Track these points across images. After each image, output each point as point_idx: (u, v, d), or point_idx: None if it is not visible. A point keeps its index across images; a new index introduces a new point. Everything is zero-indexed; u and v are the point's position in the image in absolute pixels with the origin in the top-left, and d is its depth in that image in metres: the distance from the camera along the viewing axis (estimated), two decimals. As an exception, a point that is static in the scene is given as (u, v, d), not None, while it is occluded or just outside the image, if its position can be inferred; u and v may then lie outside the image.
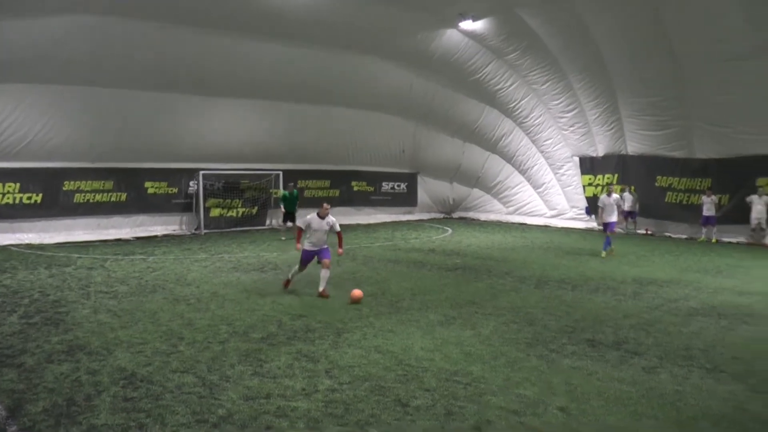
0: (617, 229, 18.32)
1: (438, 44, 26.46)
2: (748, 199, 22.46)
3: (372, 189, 32.45)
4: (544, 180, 29.90)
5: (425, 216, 33.93)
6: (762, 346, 9.11)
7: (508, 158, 31.01)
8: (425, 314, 10.78)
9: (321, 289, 12.25)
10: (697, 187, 24.17)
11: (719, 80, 21.47)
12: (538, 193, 30.45)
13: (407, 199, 34.03)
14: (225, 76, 23.99)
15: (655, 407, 6.63)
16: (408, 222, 31.24)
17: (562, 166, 28.83)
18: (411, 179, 34.16)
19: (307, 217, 12.52)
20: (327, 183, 30.61)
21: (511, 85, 28.07)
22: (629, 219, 26.12)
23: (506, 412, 6.39)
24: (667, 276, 15.27)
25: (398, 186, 33.60)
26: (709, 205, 23.34)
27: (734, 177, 23.02)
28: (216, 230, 25.72)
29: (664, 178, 25.29)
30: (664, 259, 18.48)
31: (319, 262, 12.45)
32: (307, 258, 12.57)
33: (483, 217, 33.17)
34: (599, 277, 15.03)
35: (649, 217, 25.88)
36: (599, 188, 27.18)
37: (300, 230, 12.62)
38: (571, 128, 27.56)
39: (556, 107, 27.43)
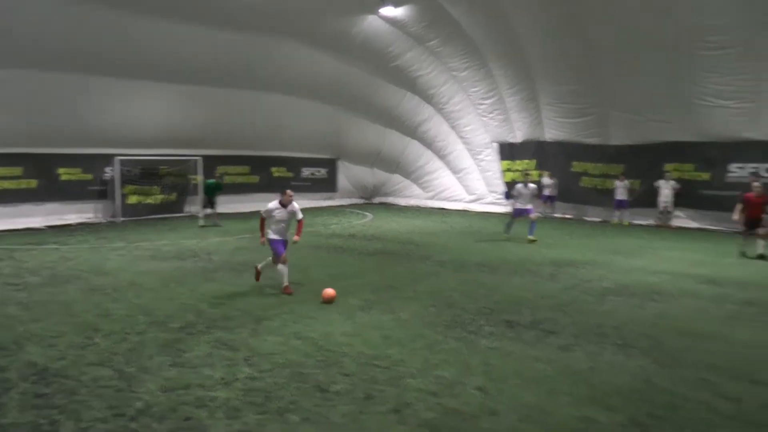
0: (534, 215, 18.66)
1: (359, 30, 26.38)
2: (656, 183, 23.49)
3: (292, 175, 32.13)
4: (463, 165, 30.33)
5: (346, 201, 33.91)
6: (668, 323, 9.55)
7: (428, 144, 31.31)
8: (345, 299, 10.78)
9: (285, 284, 11.37)
10: (611, 173, 25.03)
11: (633, 70, 22.38)
12: (458, 178, 30.87)
13: (328, 185, 33.91)
14: (142, 59, 23.10)
15: (570, 384, 6.87)
16: (329, 208, 31.15)
17: (482, 151, 29.30)
18: (331, 165, 34.06)
19: (269, 205, 11.50)
20: (247, 169, 30.15)
21: (431, 72, 28.30)
22: (548, 203, 26.81)
23: (425, 394, 6.49)
24: (582, 258, 15.76)
25: (318, 172, 33.45)
26: (622, 190, 24.25)
27: (645, 163, 24.01)
28: (134, 218, 24.94)
29: (581, 163, 26.08)
30: (581, 241, 19.07)
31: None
32: (279, 246, 11.48)
33: (403, 202, 33.42)
34: (517, 260, 15.37)
35: (566, 201, 26.64)
36: (518, 173, 27.79)
37: (263, 220, 11.62)
38: (491, 115, 28.02)
39: (476, 94, 27.83)
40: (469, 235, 20.44)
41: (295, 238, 11.71)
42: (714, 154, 22.60)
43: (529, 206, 18.95)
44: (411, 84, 29.21)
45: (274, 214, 11.46)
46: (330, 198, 33.64)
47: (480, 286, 12.16)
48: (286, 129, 30.19)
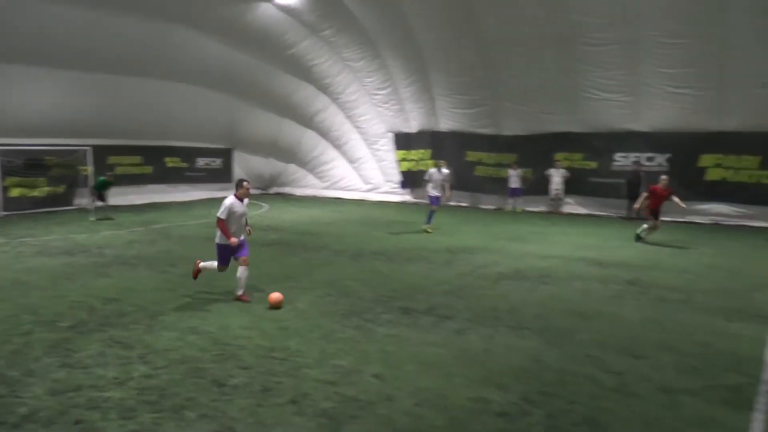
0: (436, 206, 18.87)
1: (253, 17, 25.88)
2: (547, 172, 24.42)
3: (187, 165, 31.24)
4: (359, 155, 30.45)
5: (242, 192, 33.29)
6: (558, 304, 9.93)
7: (324, 133, 31.22)
8: (243, 291, 10.59)
9: (240, 293, 10.09)
10: (505, 162, 25.76)
11: (523, 64, 23.17)
12: (354, 167, 30.96)
13: (223, 175, 33.10)
14: (25, 42, 21.68)
15: (465, 366, 7.00)
16: (224, 198, 30.43)
17: (377, 141, 29.50)
18: (227, 155, 33.30)
19: (225, 203, 10.01)
20: (139, 159, 29.03)
21: (326, 61, 28.18)
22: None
23: (322, 384, 6.45)
24: (477, 244, 16.13)
25: (214, 162, 32.63)
26: (515, 178, 25.01)
27: (536, 152, 24.87)
28: (17, 212, 23.41)
29: (475, 153, 26.69)
30: (475, 228, 19.51)
31: (235, 258, 10.21)
32: (227, 255, 10.24)
33: (299, 192, 33.22)
34: (414, 247, 15.56)
35: (462, 190, 27.16)
36: (413, 163, 28.19)
37: (222, 222, 9.99)
38: (386, 105, 28.23)
39: (371, 84, 27.95)
40: (365, 224, 20.53)
41: (249, 228, 10.59)
42: (600, 144, 23.78)
43: (438, 194, 18.88)
44: (306, 73, 28.99)
45: (235, 211, 10.05)
46: (225, 189, 32.88)
47: (377, 274, 12.22)
48: (179, 118, 29.25)
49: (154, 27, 24.36)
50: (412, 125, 28.16)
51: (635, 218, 22.32)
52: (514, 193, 25.22)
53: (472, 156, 26.75)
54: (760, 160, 21.00)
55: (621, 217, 22.93)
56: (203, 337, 8.05)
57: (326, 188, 32.23)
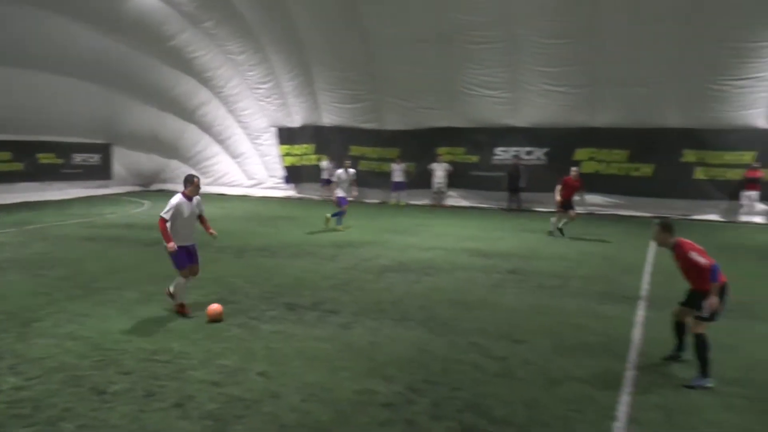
0: (316, 196, 18.69)
1: (131, 6, 24.77)
2: (430, 166, 24.88)
3: (62, 161, 29.54)
4: (242, 150, 29.80)
5: (122, 189, 31.82)
6: (442, 294, 10.10)
7: (207, 128, 30.33)
8: (123, 293, 10.05)
9: (181, 301, 8.93)
10: (388, 156, 26.03)
11: (405, 60, 23.47)
12: (237, 163, 30.28)
13: (101, 172, 31.48)
14: None
15: (351, 360, 6.98)
16: (104, 196, 29.13)
17: (260, 136, 29.02)
18: (105, 150, 31.72)
19: (171, 202, 8.92)
20: (8, 155, 27.06)
21: (207, 54, 27.40)
22: (327, 186, 27.23)
23: (207, 385, 6.24)
24: (362, 238, 16.18)
25: (91, 158, 30.96)
26: (398, 172, 25.33)
27: (419, 147, 25.27)
28: None
29: (358, 147, 26.83)
30: (360, 222, 19.53)
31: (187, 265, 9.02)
32: (183, 257, 8.92)
33: (181, 188, 32.13)
34: (299, 243, 15.40)
35: (347, 184, 27.24)
36: (297, 158, 28.01)
37: (164, 222, 8.78)
38: (268, 99, 27.84)
39: (253, 78, 27.48)
40: (249, 220, 20.15)
41: (213, 231, 9.51)
42: (481, 138, 24.55)
43: (346, 195, 18.15)
44: (187, 66, 28.07)
45: (182, 211, 8.93)
46: (105, 186, 31.35)
47: (262, 270, 12.01)
48: (53, 111, 27.45)
49: (24, 13, 22.81)
50: (296, 120, 27.93)
51: (515, 209, 23.25)
52: (398, 187, 25.54)
53: (356, 150, 26.83)
54: (628, 153, 22.44)
55: (502, 209, 23.72)
56: (82, 342, 7.58)
57: (210, 184, 31.27)
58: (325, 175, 26.80)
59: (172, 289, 8.96)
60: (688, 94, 20.94)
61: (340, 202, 17.86)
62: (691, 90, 20.84)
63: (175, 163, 32.31)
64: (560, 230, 17.28)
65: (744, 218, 21.15)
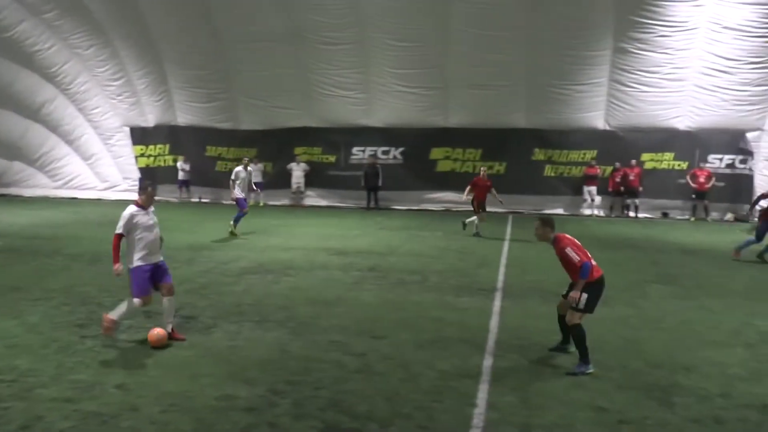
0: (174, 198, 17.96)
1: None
2: (288, 166, 24.79)
3: None
4: (93, 151, 28.25)
5: (-45, 195, 29.39)
6: (301, 294, 10.07)
7: (54, 127, 28.43)
8: (-45, 308, 9.27)
9: (170, 329, 7.73)
10: (245, 157, 25.56)
11: (259, 59, 23.35)
12: (88, 164, 28.68)
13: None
14: None
15: (211, 365, 6.79)
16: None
17: (113, 136, 27.72)
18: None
19: (124, 214, 7.68)
20: None
21: (51, 48, 25.79)
22: (184, 188, 26.46)
23: (60, 403, 5.80)
24: (219, 240, 15.83)
25: None
26: (256, 173, 24.92)
27: (276, 147, 25.11)
28: None
29: (215, 147, 26.28)
30: (217, 225, 19.04)
31: (156, 287, 7.87)
32: (146, 281, 7.75)
33: (28, 192, 29.86)
34: (155, 247, 14.78)
35: (203, 185, 26.58)
36: (152, 159, 27.01)
37: (119, 239, 7.74)
38: (120, 97, 26.73)
39: (103, 74, 26.25)
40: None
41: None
42: (338, 138, 24.85)
43: (243, 195, 17.21)
44: (28, 60, 26.24)
45: (138, 223, 7.70)
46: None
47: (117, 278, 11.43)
48: None
49: None
50: (149, 119, 26.95)
51: (374, 208, 23.62)
52: (256, 187, 25.15)
53: (212, 151, 26.33)
54: (481, 152, 23.50)
55: (361, 208, 23.99)
56: None
57: (59, 188, 29.41)
58: (181, 176, 26.02)
59: (116, 316, 7.65)
60: (534, 97, 22.45)
61: (240, 203, 16.88)
62: (537, 93, 22.36)
63: (18, 165, 29.97)
64: (464, 225, 17.49)
65: (587, 211, 22.80)
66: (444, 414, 5.66)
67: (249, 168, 17.57)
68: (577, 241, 6.97)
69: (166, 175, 26.85)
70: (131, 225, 7.66)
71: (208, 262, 12.88)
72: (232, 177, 17.22)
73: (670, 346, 7.70)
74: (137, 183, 27.37)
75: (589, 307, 6.74)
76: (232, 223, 16.79)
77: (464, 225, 17.59)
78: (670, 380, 6.56)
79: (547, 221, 7.14)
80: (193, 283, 10.83)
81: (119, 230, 7.67)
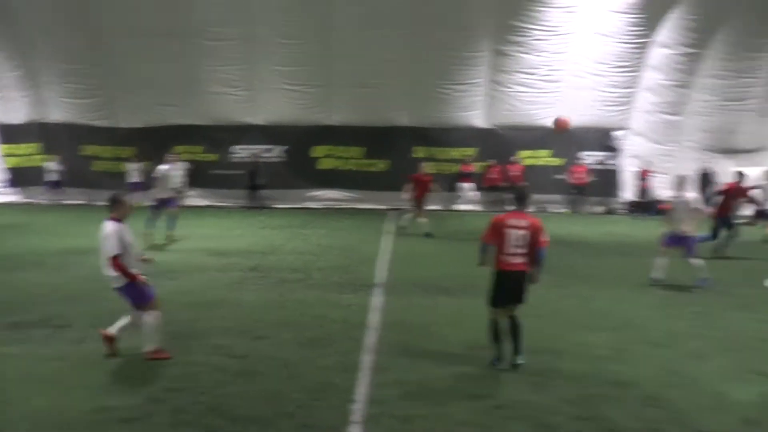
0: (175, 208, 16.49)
1: None
2: (160, 168, 24.01)
3: None
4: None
5: None
6: (181, 297, 9.83)
7: None
8: None
9: (152, 348, 7.18)
10: (124, 155, 24.77)
11: (139, 54, 22.63)
12: (-48, 165, 26.87)
13: None
14: None
15: (86, 377, 6.59)
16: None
17: (-22, 134, 26.01)
18: None
19: (109, 233, 7.38)
20: None
21: None
22: (56, 189, 25.21)
23: None
24: (90, 244, 15.15)
25: None
26: (135, 172, 24.18)
27: (156, 145, 24.26)
28: None
29: (91, 146, 25.21)
30: (90, 228, 18.23)
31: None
32: (146, 286, 7.44)
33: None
34: (22, 252, 13.94)
35: (77, 186, 25.37)
36: (23, 158, 25.59)
37: (117, 260, 7.29)
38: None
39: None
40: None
41: (147, 257, 8.21)
42: (220, 136, 24.46)
43: (166, 195, 16.16)
44: None
45: (124, 238, 7.43)
46: None
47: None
48: None
49: None
50: (18, 116, 25.41)
51: (256, 207, 23.39)
52: (136, 187, 24.32)
53: (88, 150, 25.21)
54: (365, 150, 23.80)
55: (242, 207, 23.70)
56: None
57: None
58: (52, 177, 24.75)
59: (150, 342, 7.19)
60: (416, 95, 23.05)
61: (170, 204, 15.98)
62: (419, 92, 22.98)
63: None
64: (404, 227, 17.33)
65: (462, 207, 23.53)
66: (325, 411, 5.79)
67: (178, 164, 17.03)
68: (495, 225, 6.96)
69: (37, 176, 25.43)
70: (122, 242, 7.34)
71: (81, 267, 12.29)
72: (155, 174, 16.39)
73: (545, 332, 8.14)
74: (5, 184, 25.91)
75: (494, 301, 6.98)
76: (170, 232, 16.03)
77: (404, 228, 17.28)
78: (545, 365, 6.98)
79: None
80: (68, 291, 10.39)
81: (114, 251, 7.26)
